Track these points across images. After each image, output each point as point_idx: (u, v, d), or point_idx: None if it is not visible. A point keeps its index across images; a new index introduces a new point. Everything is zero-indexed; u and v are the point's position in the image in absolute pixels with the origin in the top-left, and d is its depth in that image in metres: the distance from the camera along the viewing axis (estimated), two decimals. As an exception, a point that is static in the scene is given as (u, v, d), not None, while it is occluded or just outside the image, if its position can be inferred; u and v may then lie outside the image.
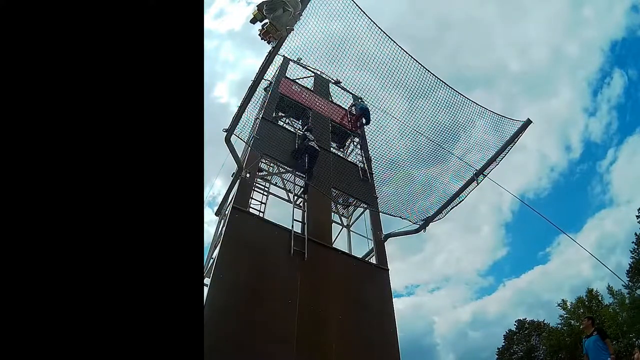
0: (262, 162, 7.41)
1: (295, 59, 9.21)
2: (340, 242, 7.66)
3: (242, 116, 5.71)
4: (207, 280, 5.32)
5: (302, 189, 7.35)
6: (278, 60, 9.07)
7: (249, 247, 5.41)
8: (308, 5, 4.49)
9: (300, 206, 7.10)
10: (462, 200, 6.57)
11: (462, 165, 6.47)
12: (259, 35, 4.33)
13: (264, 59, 5.15)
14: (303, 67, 9.96)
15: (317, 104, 9.40)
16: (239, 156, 6.54)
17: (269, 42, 4.50)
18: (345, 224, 8.32)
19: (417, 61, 5.90)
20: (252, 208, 6.57)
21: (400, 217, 7.05)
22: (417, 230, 6.95)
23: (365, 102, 8.44)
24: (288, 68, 9.87)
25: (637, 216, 25.97)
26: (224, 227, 5.70)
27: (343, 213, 8.49)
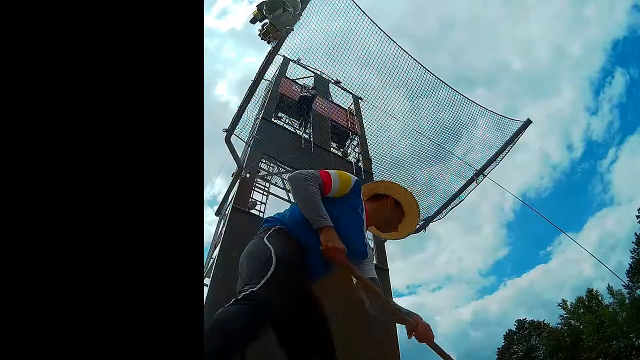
0: (262, 162, 7.41)
1: (295, 59, 9.20)
2: (340, 242, 7.62)
3: (242, 116, 5.71)
4: (207, 280, 5.30)
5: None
6: (278, 60, 9.07)
7: (249, 247, 5.39)
8: (308, 5, 4.48)
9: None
10: (462, 200, 6.58)
11: (462, 165, 6.47)
12: (259, 35, 4.33)
13: (264, 58, 5.15)
14: (303, 67, 9.95)
15: (317, 103, 9.40)
16: (239, 156, 6.53)
17: (269, 42, 4.50)
18: (345, 224, 8.28)
19: (416, 60, 5.90)
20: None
21: (400, 216, 7.02)
22: (417, 230, 6.95)
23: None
24: (288, 68, 9.87)
25: (637, 216, 25.95)
26: (224, 227, 5.69)
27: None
